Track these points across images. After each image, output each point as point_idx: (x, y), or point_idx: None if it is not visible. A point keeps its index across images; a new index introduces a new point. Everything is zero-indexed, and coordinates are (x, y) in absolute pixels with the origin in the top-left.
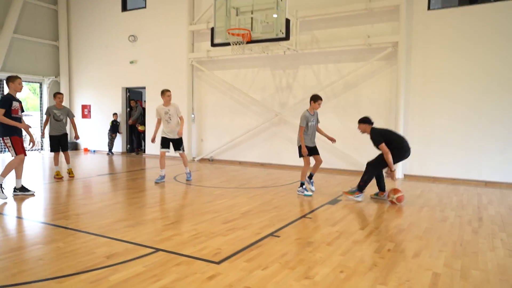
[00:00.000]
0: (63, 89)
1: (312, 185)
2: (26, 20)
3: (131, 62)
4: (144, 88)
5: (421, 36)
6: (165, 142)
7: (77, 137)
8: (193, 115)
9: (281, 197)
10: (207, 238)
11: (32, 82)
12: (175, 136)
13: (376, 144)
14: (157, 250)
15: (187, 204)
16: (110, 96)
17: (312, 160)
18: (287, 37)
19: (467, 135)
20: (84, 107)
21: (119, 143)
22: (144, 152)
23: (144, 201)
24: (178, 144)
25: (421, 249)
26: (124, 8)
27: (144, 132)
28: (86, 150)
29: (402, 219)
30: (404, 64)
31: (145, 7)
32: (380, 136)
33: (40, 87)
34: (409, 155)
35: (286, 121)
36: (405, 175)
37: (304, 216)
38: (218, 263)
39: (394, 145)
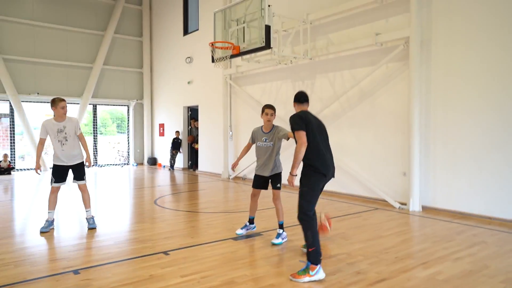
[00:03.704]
0: (146, 110)
1: (246, 227)
2: (115, 53)
3: (189, 83)
4: (197, 106)
5: (442, 28)
6: (58, 172)
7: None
8: (231, 132)
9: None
10: None
11: (121, 105)
12: (73, 161)
13: (294, 128)
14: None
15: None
16: (175, 115)
17: (269, 196)
18: (267, 46)
19: (504, 159)
20: (160, 125)
21: (181, 159)
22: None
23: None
24: (78, 172)
25: None
26: (186, 32)
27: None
28: (159, 165)
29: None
30: (418, 64)
31: (198, 29)
32: (302, 121)
33: (128, 109)
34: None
35: None
36: (423, 207)
37: (164, 252)
38: None
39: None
